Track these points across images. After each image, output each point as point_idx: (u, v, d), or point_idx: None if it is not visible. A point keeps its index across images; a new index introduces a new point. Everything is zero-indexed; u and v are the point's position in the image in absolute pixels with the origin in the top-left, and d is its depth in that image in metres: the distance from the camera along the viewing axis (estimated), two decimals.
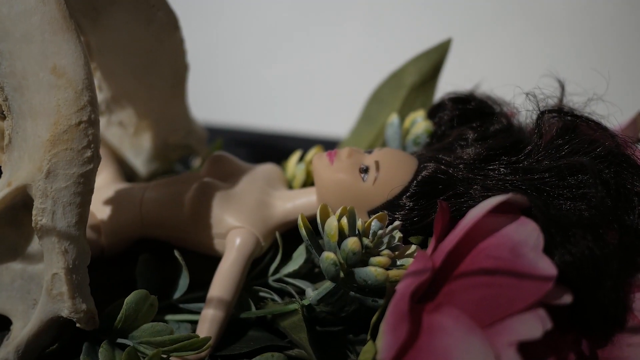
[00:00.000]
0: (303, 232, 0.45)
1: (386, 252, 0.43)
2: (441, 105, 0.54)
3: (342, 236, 0.43)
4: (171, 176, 0.54)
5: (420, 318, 0.38)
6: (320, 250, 0.45)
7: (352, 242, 0.42)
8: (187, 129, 0.59)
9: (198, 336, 0.44)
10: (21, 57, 0.41)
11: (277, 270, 0.50)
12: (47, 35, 0.40)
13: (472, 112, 0.52)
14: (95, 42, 0.53)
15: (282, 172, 0.54)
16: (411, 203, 0.47)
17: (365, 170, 0.48)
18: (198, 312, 0.49)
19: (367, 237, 0.44)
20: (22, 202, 0.44)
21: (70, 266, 0.44)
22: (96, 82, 0.56)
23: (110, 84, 0.56)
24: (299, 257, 0.49)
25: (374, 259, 0.42)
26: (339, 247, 0.43)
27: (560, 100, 0.51)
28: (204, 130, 0.62)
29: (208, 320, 0.47)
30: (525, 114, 0.51)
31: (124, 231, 0.51)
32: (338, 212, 0.44)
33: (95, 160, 0.42)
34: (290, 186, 0.54)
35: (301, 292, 0.49)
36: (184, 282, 0.49)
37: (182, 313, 0.49)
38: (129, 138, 0.60)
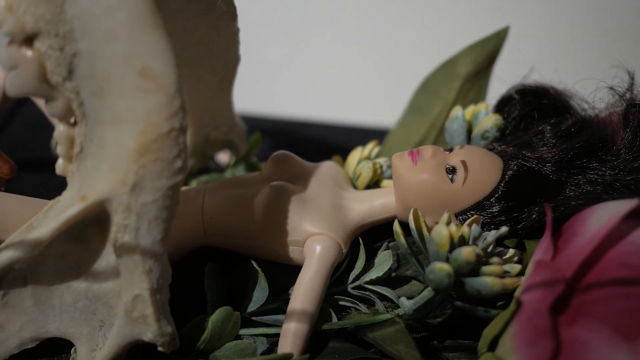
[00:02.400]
0: (402, 240, 0.42)
1: (495, 259, 0.41)
2: (509, 98, 0.51)
3: (451, 245, 0.40)
4: (227, 178, 0.50)
5: (557, 332, 0.36)
6: (423, 259, 0.42)
7: (467, 252, 0.39)
8: (230, 124, 0.56)
9: (291, 355, 0.41)
10: (103, 57, 0.36)
11: (357, 277, 0.47)
12: (135, 33, 0.36)
13: (545, 106, 0.50)
14: None
15: (344, 171, 0.51)
16: (500, 204, 0.45)
17: (452, 171, 0.45)
18: (272, 325, 0.46)
19: (468, 244, 0.42)
20: (93, 217, 0.40)
21: (155, 286, 0.40)
22: None
23: None
24: (383, 264, 0.46)
25: (487, 268, 0.40)
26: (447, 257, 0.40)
27: (631, 91, 0.49)
28: (244, 125, 0.58)
29: (291, 335, 0.43)
30: (595, 106, 0.49)
31: (186, 240, 0.47)
32: (444, 218, 0.41)
33: (184, 170, 0.38)
34: (354, 185, 0.51)
35: (384, 300, 0.46)
36: (260, 294, 0.45)
37: (256, 326, 0.46)
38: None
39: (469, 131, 0.52)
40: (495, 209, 0.45)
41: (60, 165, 0.41)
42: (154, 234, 0.39)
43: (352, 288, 0.47)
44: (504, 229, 0.41)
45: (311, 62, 0.90)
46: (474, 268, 0.40)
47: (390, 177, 0.52)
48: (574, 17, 0.83)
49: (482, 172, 0.45)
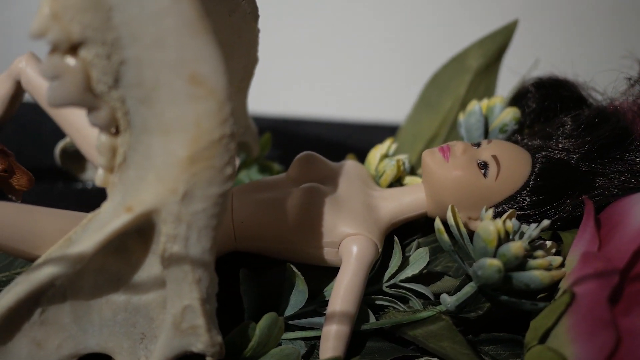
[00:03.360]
0: (445, 237, 0.43)
1: (540, 252, 0.41)
2: (526, 91, 0.52)
3: (498, 241, 0.41)
4: (252, 181, 0.49)
5: (616, 323, 0.37)
6: (467, 256, 0.42)
7: (516, 247, 0.40)
8: (245, 126, 0.55)
9: (337, 358, 0.41)
10: (152, 65, 0.35)
11: (392, 276, 0.47)
12: (184, 39, 0.35)
13: (563, 98, 0.51)
14: None
15: (366, 169, 0.51)
16: (532, 198, 0.45)
17: (484, 166, 0.45)
18: (310, 328, 0.46)
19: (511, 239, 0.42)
20: (136, 228, 0.39)
21: (205, 296, 0.39)
22: None
23: None
24: (419, 261, 0.46)
25: (533, 262, 0.41)
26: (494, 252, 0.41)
27: None
28: (255, 126, 0.57)
29: (332, 337, 0.43)
30: (609, 96, 0.50)
31: (217, 247, 0.46)
32: (489, 214, 0.42)
33: (234, 177, 0.38)
34: (377, 183, 0.51)
35: (421, 297, 0.47)
36: (298, 297, 0.45)
37: (293, 330, 0.46)
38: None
39: (486, 125, 0.52)
40: (527, 202, 0.45)
41: (100, 176, 0.39)
42: (203, 242, 0.38)
43: (388, 287, 0.47)
44: (546, 222, 0.41)
45: (310, 58, 0.90)
46: (521, 262, 0.41)
47: (411, 174, 0.52)
48: (580, 7, 0.85)
49: (514, 166, 0.46)
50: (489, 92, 0.56)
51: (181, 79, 0.35)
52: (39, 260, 0.40)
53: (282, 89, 0.85)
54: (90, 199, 0.59)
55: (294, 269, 0.44)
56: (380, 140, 0.57)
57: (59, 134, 0.59)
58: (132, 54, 0.35)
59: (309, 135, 0.70)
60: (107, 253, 0.40)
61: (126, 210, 0.38)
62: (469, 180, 0.45)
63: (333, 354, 0.43)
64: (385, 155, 0.51)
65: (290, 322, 0.46)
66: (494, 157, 0.45)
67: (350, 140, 0.68)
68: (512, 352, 0.45)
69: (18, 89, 0.51)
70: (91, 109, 0.37)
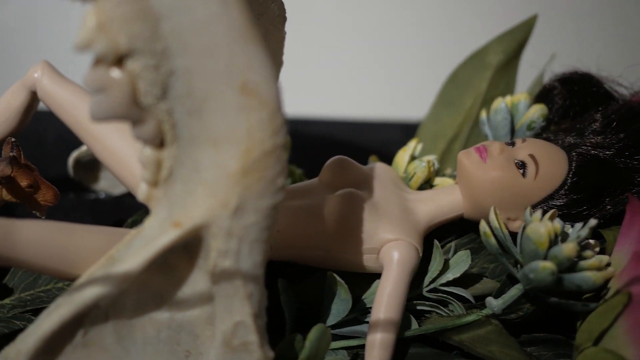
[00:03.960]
0: (492, 241, 0.42)
1: (589, 253, 0.41)
2: (552, 87, 0.52)
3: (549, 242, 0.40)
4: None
5: None
6: (512, 258, 0.42)
7: (569, 249, 0.39)
8: None
9: None
10: (202, 74, 0.34)
11: (432, 280, 0.46)
12: (235, 47, 0.34)
13: (591, 94, 0.50)
14: None
15: (396, 171, 0.50)
16: (571, 196, 0.45)
17: (522, 165, 0.45)
18: (352, 337, 0.45)
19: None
20: (183, 244, 0.37)
21: (257, 311, 0.38)
22: None
23: None
24: (460, 264, 0.45)
25: (584, 263, 0.40)
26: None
27: None
28: None
29: (377, 347, 0.42)
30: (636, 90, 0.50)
31: None
32: (537, 215, 0.41)
33: (285, 188, 0.37)
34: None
35: (461, 300, 0.46)
36: (341, 306, 0.44)
37: (335, 340, 0.45)
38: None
39: (511, 123, 0.52)
40: (565, 201, 0.45)
41: (144, 191, 0.38)
42: (254, 256, 0.37)
43: (428, 291, 0.46)
44: (593, 222, 0.41)
45: (317, 58, 0.88)
46: (572, 263, 0.40)
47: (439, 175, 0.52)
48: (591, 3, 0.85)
49: (551, 164, 0.45)
50: (509, 88, 0.56)
51: (232, 89, 0.34)
52: (81, 280, 0.38)
53: (291, 89, 0.83)
54: (105, 210, 0.58)
55: (337, 277, 0.43)
56: (390, 138, 0.56)
57: (62, 143, 0.57)
58: (182, 64, 0.34)
59: (319, 135, 0.69)
60: (150, 270, 0.38)
61: (174, 226, 0.37)
62: (508, 180, 0.45)
63: None
64: (413, 157, 0.51)
65: (332, 331, 0.45)
66: (531, 156, 0.45)
67: (360, 138, 0.67)
68: (554, 353, 0.45)
69: (33, 100, 0.49)
70: (136, 122, 0.35)
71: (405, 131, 0.68)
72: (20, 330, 0.44)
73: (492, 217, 0.43)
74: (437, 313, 0.45)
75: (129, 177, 0.47)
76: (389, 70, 0.82)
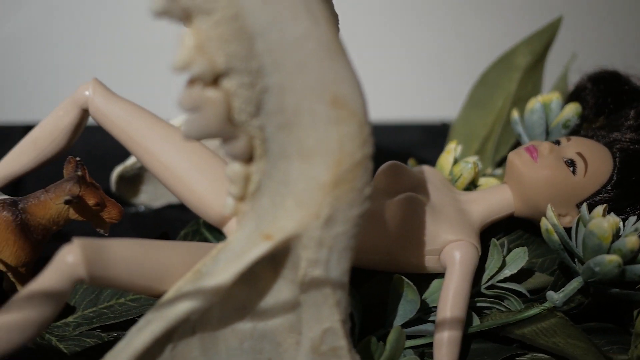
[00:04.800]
0: (555, 237, 0.44)
1: None
2: (583, 87, 0.54)
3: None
4: None
5: None
6: (569, 253, 0.44)
7: (632, 242, 0.41)
8: None
9: None
10: (294, 90, 0.35)
11: (490, 277, 0.48)
12: (325, 62, 0.35)
13: (624, 92, 0.52)
14: None
15: (442, 173, 0.52)
16: (617, 191, 0.47)
17: (571, 163, 0.47)
18: (417, 336, 0.46)
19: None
20: (270, 255, 0.38)
21: (344, 317, 0.39)
22: None
23: None
24: (516, 261, 0.47)
25: None
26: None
27: None
28: None
29: (445, 344, 0.44)
30: None
31: None
32: (598, 211, 0.43)
33: (370, 196, 0.38)
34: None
35: (518, 295, 0.48)
36: (408, 307, 0.45)
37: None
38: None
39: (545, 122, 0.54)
40: (612, 196, 0.47)
41: (230, 206, 0.39)
42: (342, 264, 0.38)
43: (486, 288, 0.48)
44: None
45: None
46: (635, 255, 0.42)
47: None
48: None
49: (598, 161, 0.47)
50: (537, 88, 0.58)
51: (323, 103, 0.35)
52: (169, 296, 0.39)
53: None
54: (147, 224, 0.58)
55: (405, 279, 0.44)
56: (409, 140, 0.58)
57: (93, 158, 0.57)
58: (275, 80, 0.35)
59: None
60: (237, 282, 0.39)
61: (265, 238, 0.37)
62: (559, 178, 0.46)
63: (447, 358, 0.44)
64: (456, 159, 0.52)
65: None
66: (579, 154, 0.47)
67: (378, 140, 0.69)
68: (606, 340, 0.47)
69: (83, 117, 0.49)
70: (229, 139, 0.36)
71: (424, 133, 0.69)
72: (91, 347, 0.45)
73: (549, 214, 0.45)
74: (497, 309, 0.47)
75: (186, 192, 0.48)
76: (404, 72, 0.84)
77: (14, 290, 0.48)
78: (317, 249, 0.37)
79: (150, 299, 0.48)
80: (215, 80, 0.34)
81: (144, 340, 0.38)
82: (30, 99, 0.79)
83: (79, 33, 0.85)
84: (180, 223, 0.56)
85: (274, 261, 0.39)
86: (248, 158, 0.37)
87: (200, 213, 0.49)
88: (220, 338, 0.40)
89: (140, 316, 0.46)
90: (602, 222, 0.42)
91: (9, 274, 0.44)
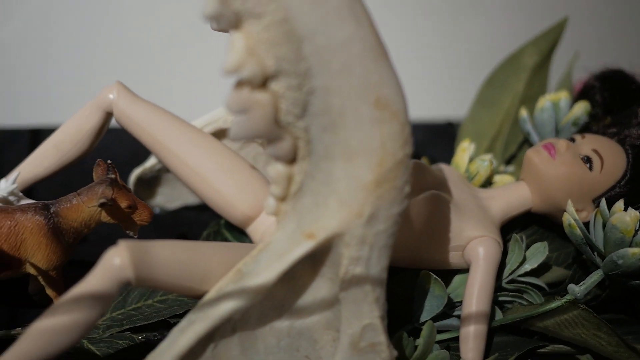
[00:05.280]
0: (578, 232, 0.45)
1: None
2: (591, 86, 0.55)
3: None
4: None
5: None
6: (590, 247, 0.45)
7: None
8: None
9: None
10: (339, 92, 0.35)
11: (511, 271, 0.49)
12: (369, 64, 0.36)
13: (631, 90, 0.54)
14: None
15: (458, 171, 0.53)
16: (631, 186, 0.48)
17: (588, 160, 0.48)
18: (443, 331, 0.47)
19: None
20: (310, 254, 0.39)
21: (382, 313, 0.40)
22: None
23: None
24: (536, 255, 0.48)
25: None
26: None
27: None
28: None
29: (472, 338, 0.45)
30: None
31: None
32: (619, 206, 0.45)
33: (410, 194, 0.39)
34: None
35: (539, 289, 0.49)
36: (435, 302, 0.46)
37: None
38: (267, 156, 0.54)
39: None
40: (626, 190, 0.48)
41: (272, 206, 0.39)
42: (382, 261, 0.39)
43: (506, 282, 0.49)
44: None
45: None
46: None
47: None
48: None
49: (613, 157, 0.49)
50: (543, 87, 0.59)
51: (367, 104, 0.36)
52: (211, 296, 0.39)
53: None
54: (165, 225, 0.58)
55: (433, 275, 0.45)
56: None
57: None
58: (321, 83, 0.35)
59: None
60: (276, 281, 0.40)
61: (307, 237, 0.38)
62: (577, 175, 0.48)
63: (475, 354, 0.45)
64: (470, 157, 0.53)
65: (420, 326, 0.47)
66: (595, 151, 0.48)
67: None
68: (623, 330, 0.48)
69: (106, 120, 0.50)
70: (274, 140, 0.37)
71: (429, 132, 0.70)
72: (123, 349, 0.45)
73: (570, 209, 0.46)
74: (518, 303, 0.48)
75: (212, 192, 0.48)
76: (410, 71, 0.84)
77: (39, 294, 0.48)
78: (359, 247, 0.38)
79: (177, 299, 0.48)
80: (263, 82, 0.35)
81: (188, 340, 0.38)
82: (36, 103, 0.79)
83: (83, 35, 0.85)
84: (197, 224, 0.57)
85: (313, 260, 0.40)
86: (291, 159, 0.38)
87: (224, 213, 0.49)
88: (259, 337, 0.41)
89: (170, 317, 0.46)
90: (625, 216, 0.43)
91: (40, 278, 0.44)
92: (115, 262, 0.36)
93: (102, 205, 0.42)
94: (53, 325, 0.37)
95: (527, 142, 0.59)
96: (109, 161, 0.44)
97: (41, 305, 0.49)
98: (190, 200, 0.58)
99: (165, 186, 0.58)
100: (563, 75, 0.60)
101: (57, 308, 0.37)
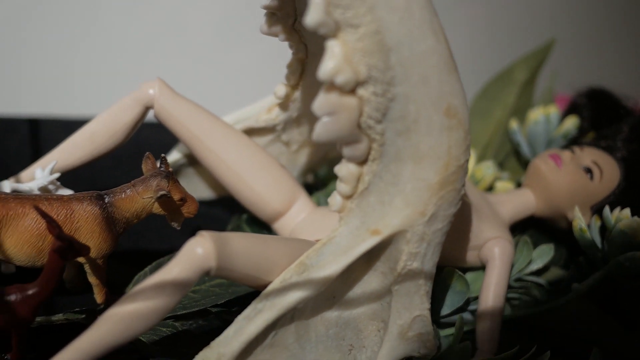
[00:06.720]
0: (588, 236, 0.50)
1: None
2: (580, 102, 0.61)
3: None
4: None
5: None
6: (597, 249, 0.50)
7: None
8: None
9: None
10: (416, 100, 0.39)
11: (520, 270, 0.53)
12: (443, 75, 0.39)
13: (615, 107, 0.60)
14: (318, 64, 0.49)
15: None
16: (624, 194, 0.54)
17: (589, 171, 0.53)
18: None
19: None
20: (368, 249, 0.42)
21: (430, 306, 0.43)
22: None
23: (302, 105, 0.53)
24: (542, 256, 0.53)
25: None
26: None
27: None
28: None
29: (487, 332, 0.49)
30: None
31: None
32: (626, 212, 0.50)
33: (463, 196, 0.42)
34: None
35: (542, 287, 0.53)
36: (456, 297, 0.50)
37: (442, 328, 0.51)
38: (289, 155, 0.57)
39: None
40: (620, 198, 0.54)
41: (338, 203, 0.42)
42: (434, 257, 0.43)
43: (514, 280, 0.53)
44: None
45: None
46: None
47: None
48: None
49: (609, 169, 0.54)
50: (529, 101, 0.65)
51: (439, 112, 0.39)
52: (275, 287, 0.41)
53: None
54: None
55: (458, 272, 0.49)
56: None
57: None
58: (401, 90, 0.38)
59: None
60: None
61: (372, 234, 0.41)
62: (579, 183, 0.53)
63: (491, 346, 0.49)
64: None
65: (442, 320, 0.51)
66: (595, 162, 0.54)
67: None
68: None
69: (144, 115, 0.50)
70: (353, 142, 0.39)
71: None
72: (167, 336, 0.46)
73: (579, 215, 0.51)
74: (524, 300, 0.53)
75: (245, 189, 0.50)
76: None
77: (72, 281, 0.49)
78: (418, 244, 0.41)
79: (209, 290, 0.50)
80: (353, 88, 0.38)
81: (256, 328, 0.40)
82: (36, 92, 0.77)
83: (84, 23, 0.84)
84: (210, 218, 0.58)
85: (369, 254, 0.42)
86: (364, 160, 0.40)
87: (255, 209, 0.51)
88: (312, 325, 0.43)
89: (211, 306, 0.48)
90: (632, 222, 0.48)
91: (86, 265, 0.45)
92: (199, 252, 0.38)
93: (161, 197, 0.43)
94: (133, 310, 0.38)
95: (516, 153, 0.63)
96: (162, 155, 0.46)
97: (74, 292, 0.49)
98: (203, 195, 0.59)
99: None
100: (544, 91, 0.65)
101: (137, 294, 0.38)
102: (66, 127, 0.66)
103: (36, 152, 0.63)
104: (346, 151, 0.40)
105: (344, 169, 0.41)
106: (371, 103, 0.38)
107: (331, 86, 0.37)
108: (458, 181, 0.41)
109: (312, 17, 0.36)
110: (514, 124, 0.61)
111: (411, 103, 0.39)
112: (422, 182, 0.40)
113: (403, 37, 0.37)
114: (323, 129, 0.38)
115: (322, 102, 0.38)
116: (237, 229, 0.55)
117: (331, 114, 0.38)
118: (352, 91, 0.38)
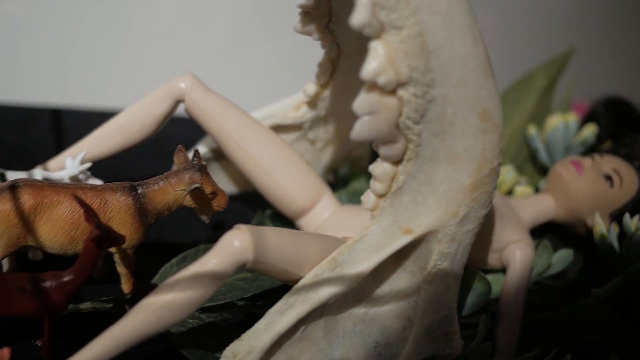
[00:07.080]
0: (609, 241, 0.51)
1: None
2: (597, 111, 0.62)
3: None
4: None
5: None
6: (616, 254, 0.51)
7: None
8: None
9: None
10: (454, 102, 0.39)
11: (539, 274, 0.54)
12: (481, 79, 0.40)
13: (633, 117, 0.61)
14: (349, 64, 0.50)
15: None
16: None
17: (609, 178, 0.54)
18: (474, 325, 0.52)
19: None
20: (400, 247, 0.43)
21: (457, 306, 0.44)
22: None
23: (330, 104, 0.53)
24: (561, 261, 0.54)
25: None
26: None
27: None
28: None
29: (507, 333, 0.50)
30: None
31: None
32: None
33: (493, 198, 0.43)
34: None
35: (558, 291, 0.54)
36: (476, 298, 0.50)
37: (463, 328, 0.52)
38: (314, 153, 0.57)
39: None
40: (638, 206, 0.55)
41: (372, 201, 0.42)
42: (464, 258, 0.43)
43: (533, 284, 0.54)
44: None
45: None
46: None
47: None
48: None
49: (629, 177, 0.55)
50: (547, 108, 0.66)
51: (474, 115, 0.40)
52: (307, 282, 0.42)
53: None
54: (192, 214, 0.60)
55: (481, 273, 0.50)
56: None
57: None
58: (440, 92, 0.39)
59: None
60: None
61: (405, 232, 0.42)
62: (600, 190, 0.54)
63: (511, 347, 0.50)
64: None
65: (462, 320, 0.51)
66: (615, 170, 0.54)
67: None
68: None
69: (174, 108, 0.51)
70: (390, 142, 0.40)
71: None
72: (194, 328, 0.47)
73: (599, 222, 0.52)
74: (543, 303, 0.54)
75: (272, 184, 0.51)
76: None
77: (101, 271, 0.49)
78: (449, 244, 0.42)
79: (234, 284, 0.50)
80: (394, 89, 0.38)
81: (288, 321, 0.41)
82: (58, 83, 0.78)
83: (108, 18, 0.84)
84: (233, 213, 0.59)
85: (399, 253, 0.43)
86: (399, 160, 0.41)
87: (281, 205, 0.52)
88: (340, 321, 0.44)
89: (236, 299, 0.49)
90: None
91: (116, 255, 0.45)
92: (236, 245, 0.38)
93: (195, 189, 0.44)
94: (169, 300, 0.38)
95: (533, 158, 0.64)
96: (196, 148, 0.46)
97: (101, 281, 0.50)
98: (228, 189, 0.60)
99: None
100: (562, 98, 0.66)
101: (173, 285, 0.39)
102: (86, 118, 0.66)
103: (58, 142, 0.63)
104: (383, 150, 0.40)
105: (379, 168, 0.41)
106: (410, 104, 0.39)
107: (373, 86, 0.38)
108: (490, 184, 0.42)
109: (358, 17, 0.36)
110: (532, 130, 0.62)
111: (449, 105, 0.39)
112: (455, 183, 0.41)
113: (444, 41, 0.38)
114: (362, 128, 0.39)
115: (363, 101, 0.38)
116: (261, 224, 0.56)
117: (371, 113, 0.38)
118: (392, 92, 0.38)
